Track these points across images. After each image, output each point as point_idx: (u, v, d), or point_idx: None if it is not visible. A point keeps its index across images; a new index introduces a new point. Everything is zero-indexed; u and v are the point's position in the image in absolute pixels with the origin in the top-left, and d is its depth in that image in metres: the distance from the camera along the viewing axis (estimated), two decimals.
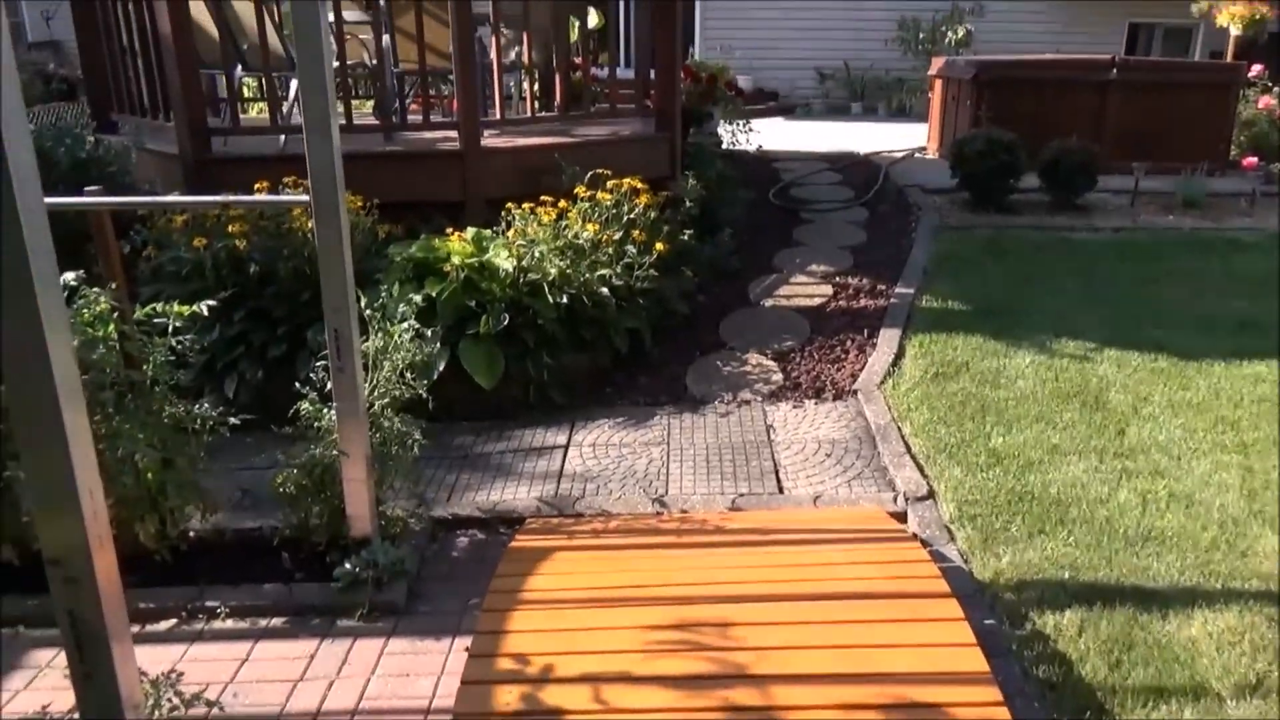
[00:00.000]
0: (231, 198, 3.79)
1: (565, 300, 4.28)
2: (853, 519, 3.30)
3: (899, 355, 4.69)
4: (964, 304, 5.33)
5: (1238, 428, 3.90)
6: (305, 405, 3.03)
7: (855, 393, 4.36)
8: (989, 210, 7.11)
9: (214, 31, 5.14)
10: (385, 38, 5.76)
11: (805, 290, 5.60)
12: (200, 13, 5.12)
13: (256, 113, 7.40)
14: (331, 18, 5.16)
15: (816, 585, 2.70)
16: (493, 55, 5.68)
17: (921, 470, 3.60)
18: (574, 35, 6.86)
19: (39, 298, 1.47)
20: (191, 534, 3.14)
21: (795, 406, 4.29)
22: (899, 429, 3.94)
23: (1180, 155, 8.00)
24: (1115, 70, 8.47)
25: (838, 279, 5.75)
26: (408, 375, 3.14)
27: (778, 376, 4.58)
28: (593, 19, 9.76)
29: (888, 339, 4.86)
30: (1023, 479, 3.50)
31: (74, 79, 11.51)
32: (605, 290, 4.43)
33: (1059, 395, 4.21)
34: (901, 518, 3.33)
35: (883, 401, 4.21)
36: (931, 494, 3.43)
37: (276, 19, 5.58)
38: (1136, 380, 4.37)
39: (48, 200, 1.82)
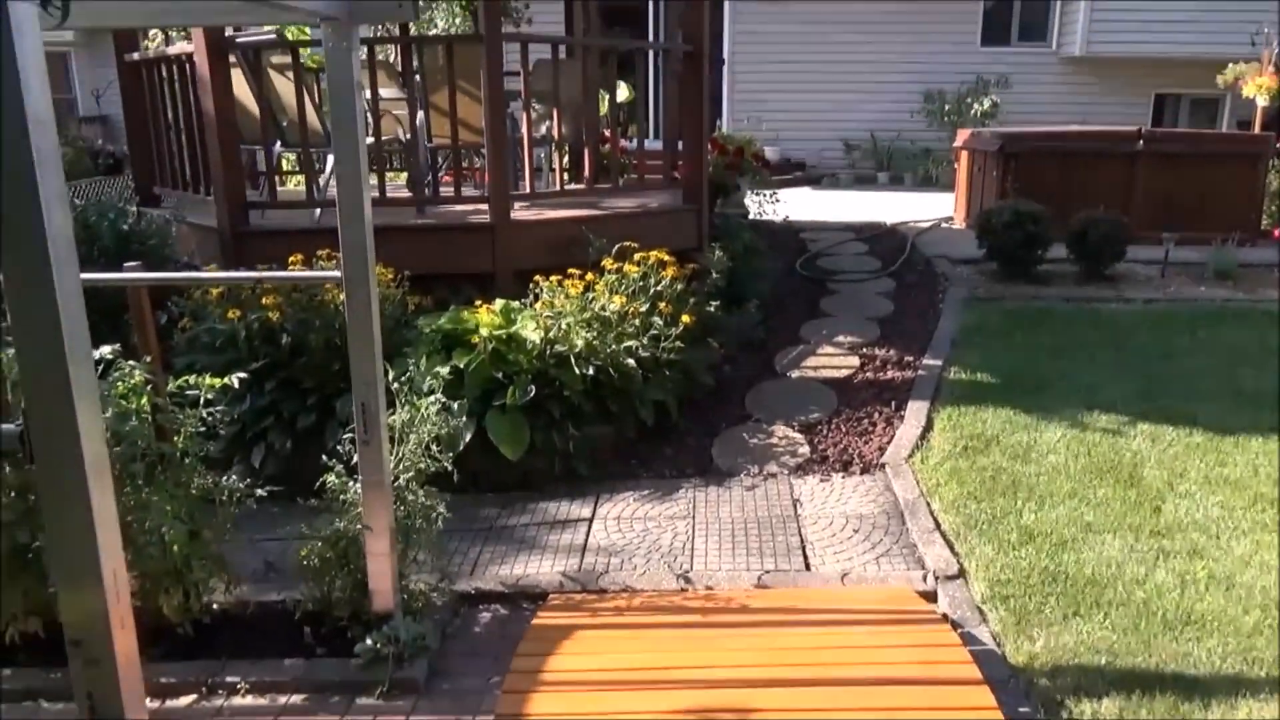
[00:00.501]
0: (266, 274, 3.87)
1: (591, 372, 4.30)
2: (881, 598, 3.24)
3: (927, 428, 4.64)
4: (993, 376, 5.29)
5: (1277, 506, 3.81)
6: (331, 478, 3.05)
7: (883, 466, 4.31)
8: (1017, 281, 7.09)
9: (255, 109, 5.32)
10: (420, 114, 5.92)
11: (832, 361, 5.59)
12: (243, 91, 5.30)
13: (294, 184, 7.59)
14: (368, 95, 5.32)
15: (844, 670, 2.64)
16: (524, 130, 5.82)
17: (951, 547, 3.53)
18: (604, 108, 7.01)
19: (72, 380, 1.50)
20: (215, 606, 3.13)
21: (822, 480, 4.25)
22: (928, 504, 3.88)
23: (1210, 226, 7.96)
24: (1142, 141, 8.50)
25: (865, 350, 5.74)
26: (433, 448, 3.16)
27: (804, 449, 4.55)
28: (622, 92, 10.00)
29: (915, 412, 4.82)
30: (1056, 558, 3.42)
31: (120, 154, 11.91)
32: (631, 362, 4.45)
33: (1092, 470, 4.14)
34: (931, 597, 3.26)
35: (911, 476, 4.16)
36: (962, 572, 3.36)
37: (316, 98, 5.77)
38: (1171, 455, 4.29)
39: (88, 276, 1.87)
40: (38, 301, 1.50)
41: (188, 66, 5.14)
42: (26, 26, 1.42)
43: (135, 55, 5.89)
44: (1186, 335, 5.98)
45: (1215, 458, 4.26)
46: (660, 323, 4.63)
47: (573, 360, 4.29)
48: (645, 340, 4.57)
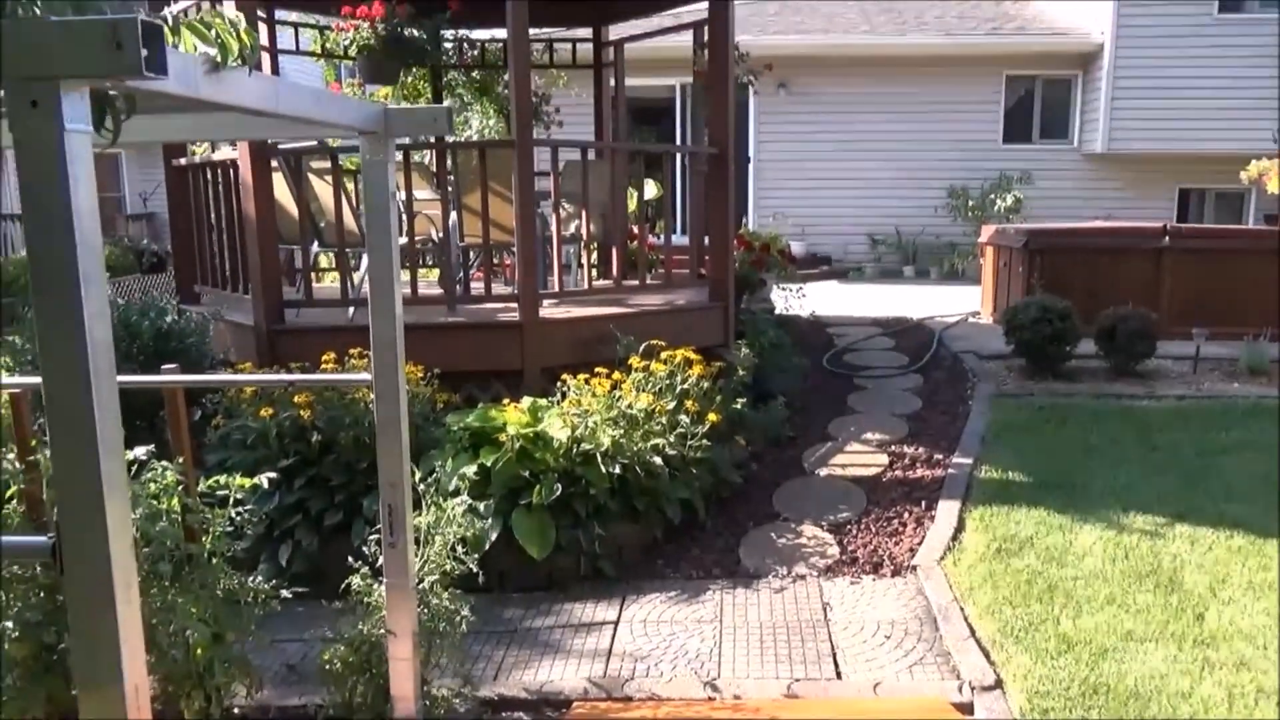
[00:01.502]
0: (298, 376, 3.94)
1: (618, 470, 4.29)
2: (915, 710, 3.14)
3: (959, 529, 4.56)
4: (1024, 475, 5.21)
5: None
6: (356, 580, 3.04)
7: (914, 568, 4.23)
8: (1046, 377, 7.05)
9: (294, 211, 5.49)
10: (453, 214, 6.08)
11: (860, 459, 5.54)
12: (283, 194, 5.49)
13: (330, 280, 7.77)
14: (403, 196, 5.48)
15: None
16: (553, 228, 5.96)
17: (987, 656, 3.43)
18: (632, 205, 7.17)
19: (105, 493, 1.53)
20: (236, 710, 3.09)
21: (852, 582, 4.17)
22: (961, 610, 3.79)
23: (1240, 321, 7.90)
24: (1168, 237, 8.53)
25: (893, 447, 5.69)
26: (459, 549, 3.15)
27: (834, 550, 4.48)
28: (650, 190, 10.25)
29: (946, 511, 4.74)
30: (1097, 668, 3.31)
31: (163, 253, 12.31)
32: (658, 460, 4.44)
33: (1131, 575, 4.03)
34: (967, 709, 3.16)
35: (943, 579, 4.07)
36: (999, 683, 3.26)
37: (353, 200, 5.96)
38: (1213, 559, 4.17)
39: (127, 379, 1.92)
40: (74, 409, 1.54)
41: (231, 171, 5.35)
42: (80, 153, 1.49)
43: (182, 160, 6.14)
44: (1221, 432, 5.88)
45: (1258, 561, 4.14)
46: (687, 421, 4.64)
47: (599, 459, 4.29)
48: (672, 438, 4.57)
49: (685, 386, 4.81)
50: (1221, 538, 4.37)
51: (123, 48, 1.41)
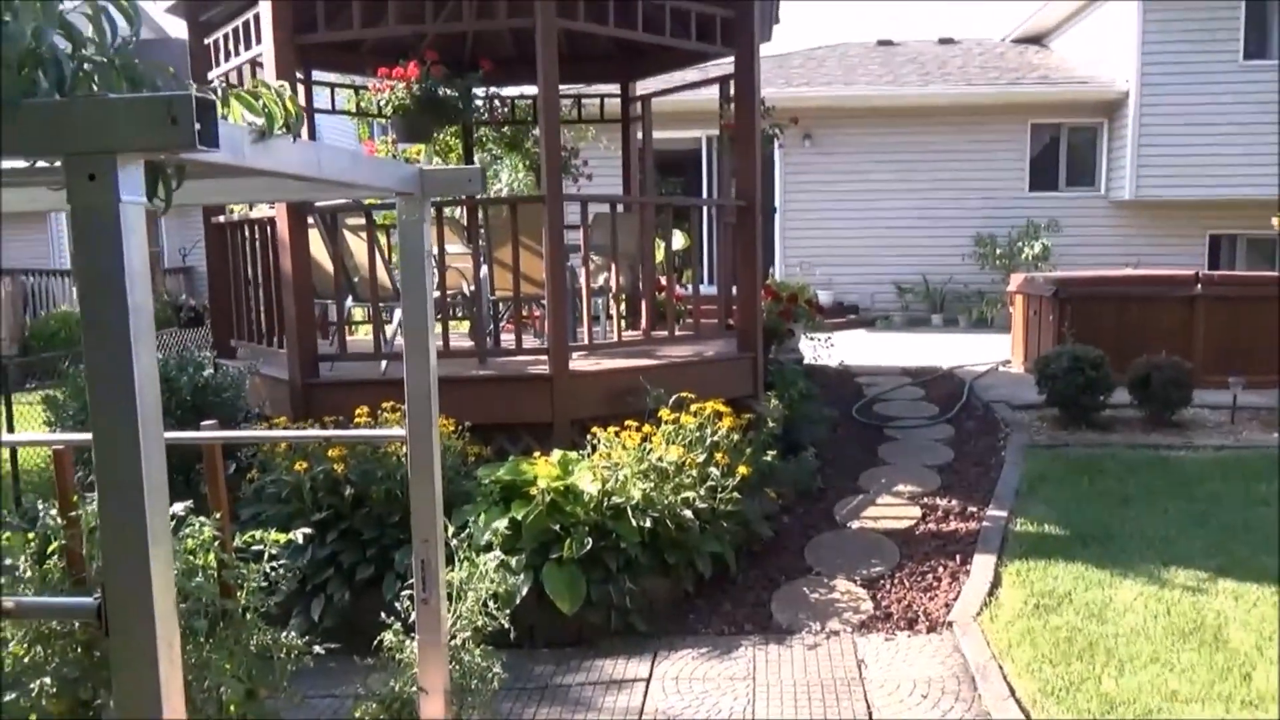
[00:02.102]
0: (333, 433, 3.99)
1: (649, 523, 4.28)
2: None
3: (995, 584, 4.49)
4: (1061, 528, 5.13)
5: None
6: (389, 636, 3.04)
7: (950, 625, 4.16)
8: (1080, 427, 6.96)
9: (329, 266, 5.59)
10: (484, 268, 6.17)
11: (893, 512, 5.48)
12: (318, 250, 5.60)
13: (363, 334, 7.88)
14: (435, 250, 5.57)
15: None
16: (582, 281, 6.01)
17: (1027, 716, 3.35)
18: (659, 255, 7.23)
19: (151, 554, 1.55)
20: None
21: (887, 639, 4.11)
22: (1000, 668, 3.71)
23: (1275, 369, 7.79)
24: (1200, 285, 8.45)
25: (925, 500, 5.62)
26: (490, 605, 3.14)
27: (867, 605, 4.42)
28: (678, 240, 10.32)
29: (982, 566, 4.67)
30: None
31: (201, 307, 12.54)
32: (689, 513, 4.43)
33: (1173, 632, 3.94)
34: None
35: (980, 636, 4.00)
36: None
37: (386, 254, 6.06)
38: (1258, 616, 4.07)
39: (169, 435, 1.95)
40: (124, 471, 1.57)
41: (269, 228, 5.46)
42: (134, 223, 1.54)
43: (221, 218, 6.28)
44: (1262, 484, 5.77)
45: None
46: (717, 473, 4.62)
47: (630, 512, 4.28)
48: (702, 491, 4.55)
49: (715, 439, 4.80)
50: (1267, 593, 4.27)
51: (178, 123, 1.46)
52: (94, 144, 1.47)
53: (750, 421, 5.28)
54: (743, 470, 4.67)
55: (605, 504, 4.31)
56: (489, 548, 3.81)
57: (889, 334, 13.24)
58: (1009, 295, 10.33)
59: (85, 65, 1.61)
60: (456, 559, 3.18)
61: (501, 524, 4.09)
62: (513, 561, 3.87)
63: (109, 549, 1.59)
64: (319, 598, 4.14)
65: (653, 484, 4.46)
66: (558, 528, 4.21)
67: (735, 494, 4.61)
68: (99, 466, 1.56)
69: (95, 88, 1.62)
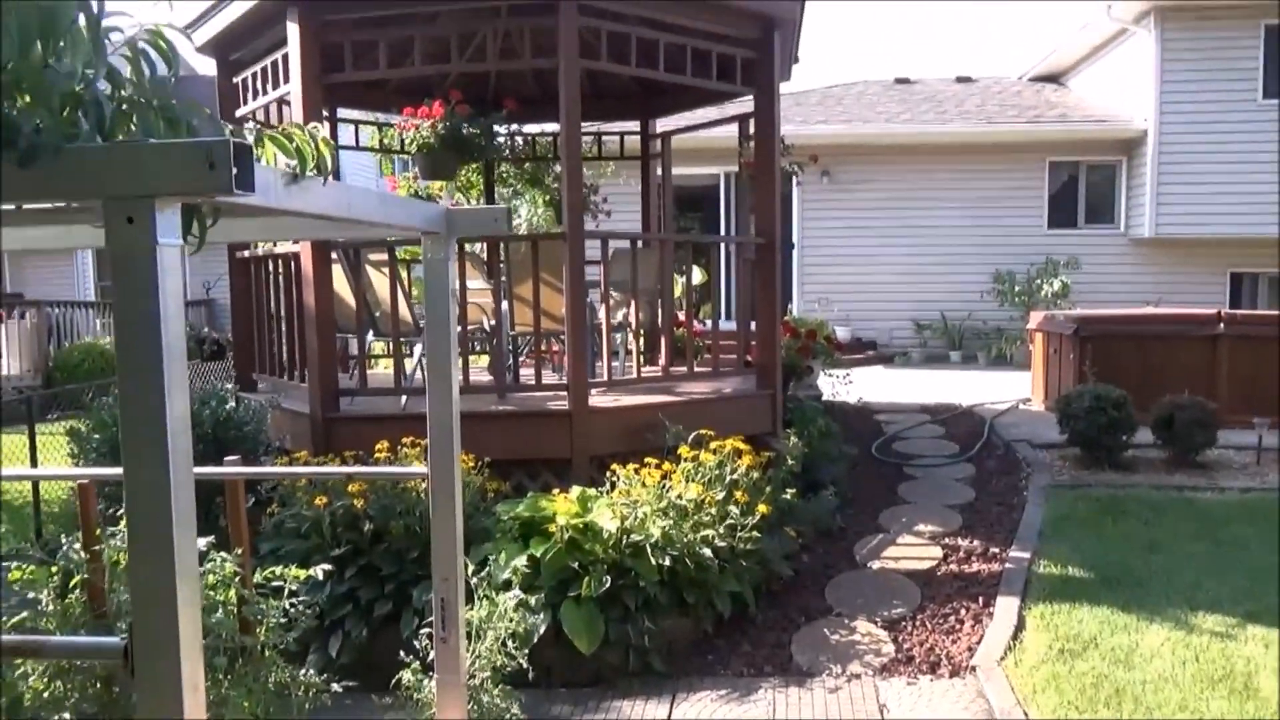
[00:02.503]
0: (355, 469, 4.00)
1: (667, 562, 4.25)
2: None
3: (1019, 627, 4.42)
4: (1085, 570, 5.05)
5: None
6: (407, 675, 3.02)
7: (974, 669, 4.09)
8: (1102, 467, 6.89)
9: (351, 301, 5.64)
10: (504, 303, 6.20)
11: (914, 552, 5.42)
12: (341, 285, 5.65)
13: (384, 367, 7.92)
14: (456, 286, 5.60)
15: None
16: (601, 316, 6.04)
17: None
18: (678, 291, 7.25)
19: (179, 592, 1.55)
20: None
21: (909, 683, 4.04)
22: (1025, 714, 3.65)
23: None
24: (1223, 324, 8.39)
25: (947, 540, 5.57)
26: (509, 644, 3.13)
27: (889, 648, 4.36)
28: (696, 275, 10.36)
29: (1005, 609, 4.60)
30: None
31: (224, 341, 12.64)
32: (708, 552, 4.40)
33: (1202, 679, 3.86)
34: None
35: (1004, 681, 3.93)
36: None
37: (407, 286, 6.11)
38: None
39: (195, 471, 1.96)
40: (154, 511, 1.58)
41: (293, 263, 5.52)
42: (171, 265, 1.56)
43: (245, 253, 6.36)
44: None
45: None
46: (736, 511, 4.59)
47: (649, 550, 4.25)
48: (721, 529, 4.52)
49: (735, 477, 4.77)
50: None
51: (215, 168, 1.48)
52: (133, 188, 1.49)
53: (769, 459, 5.25)
54: (762, 509, 4.64)
55: (624, 542, 4.28)
56: (508, 586, 3.79)
57: (907, 370, 13.19)
58: (1029, 333, 10.29)
59: (124, 106, 1.64)
60: (475, 597, 3.17)
61: (520, 561, 4.08)
62: (532, 600, 3.85)
63: (138, 591, 1.59)
64: (337, 634, 4.13)
65: (672, 522, 4.44)
66: (576, 565, 4.19)
67: (755, 533, 4.57)
68: (130, 505, 1.57)
69: (133, 128, 1.65)
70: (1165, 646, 4.17)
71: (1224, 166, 13.64)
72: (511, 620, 3.12)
